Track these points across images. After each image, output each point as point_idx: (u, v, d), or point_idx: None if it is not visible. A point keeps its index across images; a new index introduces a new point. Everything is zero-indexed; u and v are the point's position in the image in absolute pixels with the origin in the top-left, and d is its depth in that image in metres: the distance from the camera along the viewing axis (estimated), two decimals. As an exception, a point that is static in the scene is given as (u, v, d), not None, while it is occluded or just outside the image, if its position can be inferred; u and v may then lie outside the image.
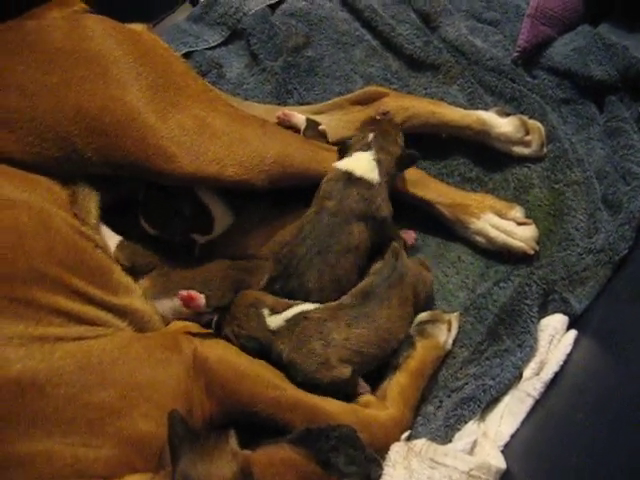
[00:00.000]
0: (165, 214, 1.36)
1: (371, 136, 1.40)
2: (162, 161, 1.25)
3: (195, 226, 1.37)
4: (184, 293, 1.27)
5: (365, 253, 1.35)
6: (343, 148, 1.43)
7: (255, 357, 1.23)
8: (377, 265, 1.35)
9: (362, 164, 1.37)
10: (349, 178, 1.35)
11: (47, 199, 1.26)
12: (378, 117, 1.48)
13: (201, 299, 1.28)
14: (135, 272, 1.35)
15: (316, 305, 1.28)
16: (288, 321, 1.25)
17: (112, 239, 1.36)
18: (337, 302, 1.29)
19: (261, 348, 1.26)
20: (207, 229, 1.38)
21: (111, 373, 1.11)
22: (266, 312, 1.27)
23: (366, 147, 1.39)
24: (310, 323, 1.24)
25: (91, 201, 1.33)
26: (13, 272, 1.14)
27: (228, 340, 1.27)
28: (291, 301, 1.30)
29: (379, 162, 1.37)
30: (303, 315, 1.25)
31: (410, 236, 1.46)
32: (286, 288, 1.32)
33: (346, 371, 1.22)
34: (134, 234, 1.38)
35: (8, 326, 1.09)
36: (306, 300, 1.30)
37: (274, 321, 1.26)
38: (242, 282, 1.35)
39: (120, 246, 1.36)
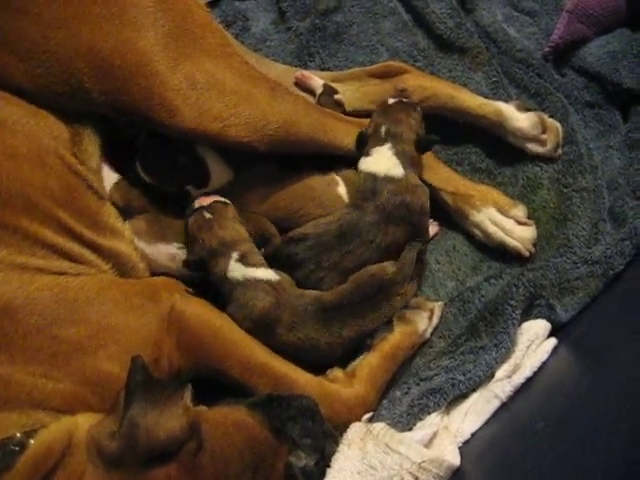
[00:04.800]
0: (162, 163, 1.36)
1: (383, 129, 1.38)
2: (165, 113, 1.24)
3: (190, 178, 1.37)
4: None
5: (394, 253, 1.34)
6: (361, 141, 1.40)
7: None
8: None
9: (383, 162, 1.36)
10: (375, 179, 1.35)
11: (49, 134, 1.27)
12: (390, 100, 1.44)
13: None
14: (128, 213, 1.36)
15: (287, 281, 1.28)
16: (247, 280, 1.26)
17: (110, 177, 1.36)
18: (314, 295, 1.27)
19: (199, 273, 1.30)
20: (202, 183, 1.37)
21: (84, 311, 1.13)
22: (235, 256, 1.28)
23: (381, 141, 1.38)
24: (264, 296, 1.24)
25: (93, 144, 1.34)
26: (5, 198, 1.15)
27: None
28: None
29: (398, 154, 1.36)
30: (266, 283, 1.25)
31: (433, 227, 1.45)
32: (298, 256, 1.31)
33: None
34: (131, 177, 1.38)
35: (-10, 251, 1.11)
36: (307, 277, 1.30)
37: (235, 269, 1.27)
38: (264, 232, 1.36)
39: (117, 185, 1.36)
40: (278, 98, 1.33)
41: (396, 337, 1.29)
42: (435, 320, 1.34)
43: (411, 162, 1.37)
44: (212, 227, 1.30)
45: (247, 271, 1.27)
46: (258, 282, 1.26)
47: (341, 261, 1.31)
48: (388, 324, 1.30)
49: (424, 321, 1.32)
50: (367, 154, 1.38)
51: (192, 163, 1.35)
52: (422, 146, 1.40)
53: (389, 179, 1.34)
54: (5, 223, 1.13)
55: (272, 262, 1.32)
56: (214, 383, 1.20)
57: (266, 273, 1.28)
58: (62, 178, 1.24)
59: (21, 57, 1.25)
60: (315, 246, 1.30)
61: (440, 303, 1.36)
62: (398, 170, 1.35)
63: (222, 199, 1.36)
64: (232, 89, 1.28)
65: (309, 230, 1.33)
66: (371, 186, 1.34)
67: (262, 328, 1.24)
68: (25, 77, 1.26)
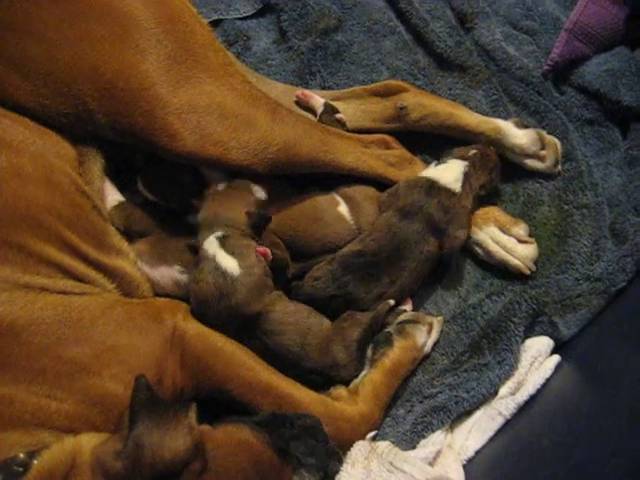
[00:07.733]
0: (164, 180, 1.36)
1: (472, 152, 1.41)
2: (166, 137, 1.25)
3: (192, 194, 1.36)
4: (261, 249, 1.29)
5: (431, 267, 1.37)
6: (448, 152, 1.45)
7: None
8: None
9: (449, 172, 1.38)
10: (431, 186, 1.36)
11: (54, 153, 1.27)
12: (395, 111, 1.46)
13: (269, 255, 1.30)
14: (129, 235, 1.35)
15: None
16: (212, 259, 1.26)
17: (112, 197, 1.36)
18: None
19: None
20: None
21: (89, 331, 1.12)
22: (218, 233, 1.28)
23: (462, 158, 1.40)
24: (211, 282, 1.24)
25: (97, 165, 1.34)
26: (10, 217, 1.15)
27: None
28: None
29: (466, 175, 1.37)
30: (220, 271, 1.24)
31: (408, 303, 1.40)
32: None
33: None
34: (134, 199, 1.38)
35: (-5, 269, 1.10)
36: (370, 291, 1.30)
37: (211, 243, 1.27)
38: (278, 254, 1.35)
39: (118, 206, 1.36)
40: (278, 120, 1.33)
41: (396, 352, 1.28)
42: (434, 334, 1.34)
43: (470, 193, 1.39)
44: (215, 199, 1.32)
45: (217, 251, 1.26)
46: (216, 266, 1.25)
47: (398, 277, 1.32)
48: (388, 339, 1.30)
49: (423, 335, 1.32)
50: (442, 162, 1.42)
51: (193, 179, 1.35)
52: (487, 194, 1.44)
53: (445, 190, 1.36)
54: (9, 241, 1.13)
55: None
56: (217, 402, 1.20)
57: (227, 262, 1.26)
58: (68, 197, 1.24)
59: (26, 77, 1.25)
60: (369, 265, 1.31)
61: (439, 317, 1.36)
62: (457, 185, 1.37)
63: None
64: (233, 112, 1.28)
65: (359, 247, 1.33)
66: (423, 192, 1.36)
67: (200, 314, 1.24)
68: (30, 97, 1.26)
